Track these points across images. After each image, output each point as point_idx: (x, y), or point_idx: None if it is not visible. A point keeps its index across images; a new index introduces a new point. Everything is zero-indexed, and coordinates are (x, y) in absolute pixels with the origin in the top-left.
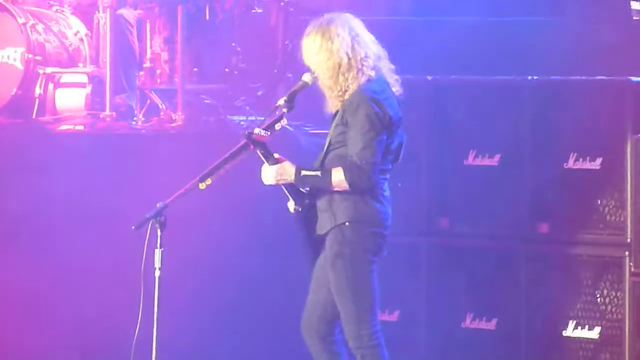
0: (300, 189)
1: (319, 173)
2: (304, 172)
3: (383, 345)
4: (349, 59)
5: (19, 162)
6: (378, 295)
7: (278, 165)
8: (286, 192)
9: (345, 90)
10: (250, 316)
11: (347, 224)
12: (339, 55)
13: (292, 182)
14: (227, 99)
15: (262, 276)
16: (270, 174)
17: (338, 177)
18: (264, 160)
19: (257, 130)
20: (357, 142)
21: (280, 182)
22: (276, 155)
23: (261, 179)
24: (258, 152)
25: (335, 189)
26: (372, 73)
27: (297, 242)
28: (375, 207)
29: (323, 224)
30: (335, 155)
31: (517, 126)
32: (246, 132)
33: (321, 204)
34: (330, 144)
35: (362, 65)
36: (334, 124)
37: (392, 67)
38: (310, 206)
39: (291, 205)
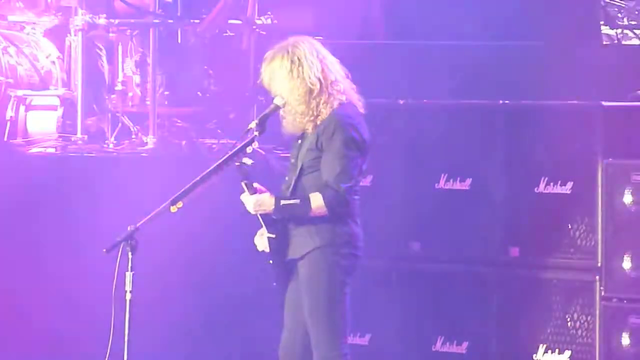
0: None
1: (298, 201)
2: (283, 202)
3: None
4: (321, 83)
5: None
6: (349, 319)
7: (257, 196)
8: (260, 220)
9: (318, 115)
10: (226, 336)
11: (325, 246)
12: (310, 80)
13: (271, 212)
14: (199, 122)
15: (241, 296)
16: (249, 204)
17: (317, 202)
18: (245, 190)
19: (248, 161)
20: (334, 167)
21: (259, 212)
22: (255, 185)
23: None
24: (242, 182)
25: (314, 214)
26: (343, 97)
27: (266, 268)
28: (351, 229)
29: (298, 248)
30: (310, 180)
31: (489, 150)
32: (238, 164)
33: (296, 227)
34: (302, 168)
35: (333, 89)
36: (305, 148)
37: (354, 87)
38: (282, 231)
39: (261, 235)
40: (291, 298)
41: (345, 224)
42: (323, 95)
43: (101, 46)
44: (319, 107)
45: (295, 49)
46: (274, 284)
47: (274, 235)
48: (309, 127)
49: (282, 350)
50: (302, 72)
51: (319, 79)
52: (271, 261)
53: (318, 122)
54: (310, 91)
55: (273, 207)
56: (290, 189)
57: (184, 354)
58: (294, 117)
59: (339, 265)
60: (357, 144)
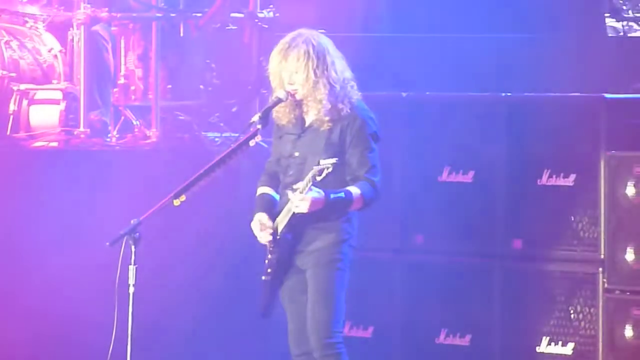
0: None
1: (343, 195)
2: (333, 196)
3: (346, 355)
4: (340, 79)
5: None
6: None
7: (312, 194)
8: (288, 219)
9: (340, 110)
10: (228, 330)
11: (342, 240)
12: (335, 75)
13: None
14: (201, 115)
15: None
16: (304, 203)
17: (357, 195)
18: (306, 188)
19: (330, 162)
20: (365, 160)
21: (309, 210)
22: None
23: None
24: (310, 180)
25: (352, 208)
26: (359, 92)
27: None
28: (355, 221)
29: (315, 240)
30: (330, 174)
31: (492, 143)
32: (318, 167)
33: (316, 220)
34: (318, 163)
35: (350, 84)
36: (317, 143)
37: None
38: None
39: (274, 230)
40: (290, 287)
41: (354, 217)
42: (344, 90)
43: (107, 38)
44: (342, 102)
45: (320, 43)
46: (264, 277)
47: (289, 235)
48: (325, 121)
49: (291, 338)
50: (327, 67)
51: (343, 74)
52: (270, 256)
53: (337, 117)
54: (332, 87)
55: (324, 203)
56: (308, 184)
57: (189, 353)
58: (316, 109)
59: (349, 258)
60: (378, 138)
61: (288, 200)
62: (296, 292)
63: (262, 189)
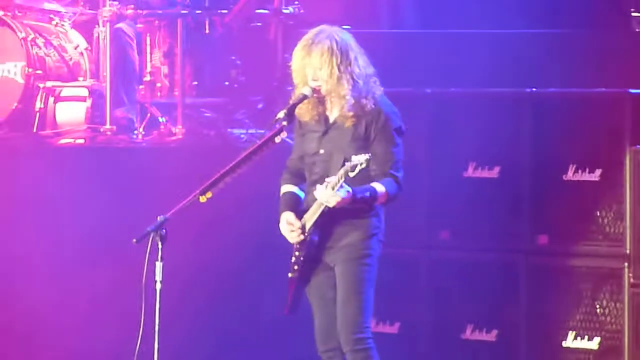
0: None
1: (369, 193)
2: (359, 196)
3: (376, 350)
4: (363, 74)
5: (19, 175)
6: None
7: (342, 191)
8: (317, 216)
9: (363, 106)
10: (253, 325)
11: (371, 236)
12: (359, 71)
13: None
14: (227, 112)
15: (266, 286)
16: (335, 198)
17: (382, 191)
18: (338, 184)
19: (363, 158)
20: (390, 155)
21: (336, 206)
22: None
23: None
24: (341, 176)
25: (378, 203)
26: (382, 88)
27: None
28: (382, 216)
29: (344, 236)
30: (364, 170)
31: (517, 138)
32: (351, 163)
33: (345, 216)
34: (344, 160)
35: (373, 79)
36: (343, 139)
37: None
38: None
39: (302, 228)
40: (318, 284)
41: (381, 212)
42: (367, 85)
43: (132, 36)
44: (366, 97)
45: (343, 39)
46: (291, 274)
47: (316, 236)
48: (349, 117)
49: (318, 334)
50: (351, 63)
51: (365, 69)
52: (298, 254)
53: (361, 113)
54: (356, 82)
55: (350, 201)
56: (340, 180)
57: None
58: (340, 105)
59: (377, 253)
60: (402, 133)
61: (314, 197)
62: (324, 288)
63: (286, 187)
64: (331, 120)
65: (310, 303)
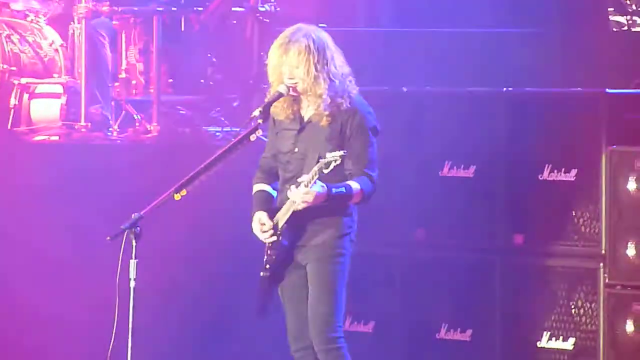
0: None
1: (344, 190)
2: (334, 191)
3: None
4: (340, 73)
5: None
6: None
7: (316, 188)
8: (289, 215)
9: (339, 104)
10: (227, 325)
11: (343, 235)
12: (335, 70)
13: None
14: (202, 110)
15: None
16: (308, 196)
17: (357, 190)
18: (312, 182)
19: (337, 155)
20: (365, 155)
21: (310, 205)
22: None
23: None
24: (316, 173)
25: (352, 202)
26: (356, 87)
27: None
28: (355, 216)
29: (316, 235)
30: (339, 169)
31: (493, 137)
32: (325, 160)
33: (317, 215)
34: (319, 158)
35: (349, 78)
36: (318, 138)
37: None
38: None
39: (274, 226)
40: (290, 283)
41: (355, 212)
42: (343, 84)
43: (104, 34)
44: (342, 97)
45: (320, 38)
46: (263, 273)
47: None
48: (324, 116)
49: (290, 333)
50: (327, 62)
51: (342, 68)
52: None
53: (337, 112)
54: (332, 81)
55: (325, 197)
56: (314, 177)
57: (189, 350)
58: (316, 104)
59: (349, 252)
60: (377, 132)
61: (287, 196)
62: (296, 287)
63: (258, 186)
64: (306, 118)
65: (282, 302)
